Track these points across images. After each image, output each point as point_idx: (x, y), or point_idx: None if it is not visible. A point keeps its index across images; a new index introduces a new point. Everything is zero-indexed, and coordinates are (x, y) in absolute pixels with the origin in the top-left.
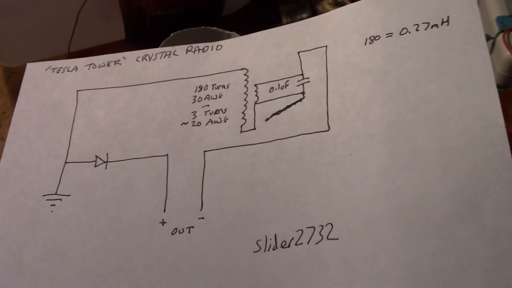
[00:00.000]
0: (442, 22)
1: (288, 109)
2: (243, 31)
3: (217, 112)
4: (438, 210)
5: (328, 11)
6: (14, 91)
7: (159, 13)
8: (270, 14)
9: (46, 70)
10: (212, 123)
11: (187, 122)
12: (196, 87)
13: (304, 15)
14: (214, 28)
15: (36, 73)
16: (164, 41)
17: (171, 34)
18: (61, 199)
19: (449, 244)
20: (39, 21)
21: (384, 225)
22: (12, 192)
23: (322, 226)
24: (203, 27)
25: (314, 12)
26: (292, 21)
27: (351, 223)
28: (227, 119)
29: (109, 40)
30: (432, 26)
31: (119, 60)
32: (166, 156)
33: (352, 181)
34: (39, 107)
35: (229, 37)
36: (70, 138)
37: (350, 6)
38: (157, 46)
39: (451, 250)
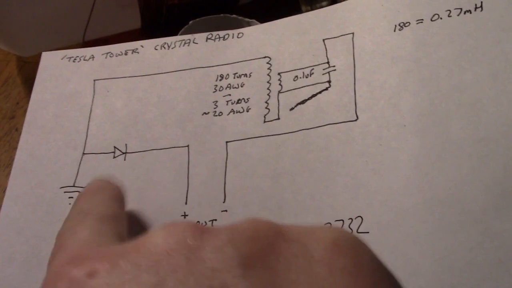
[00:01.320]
0: (476, 8)
1: (313, 98)
2: (261, 19)
3: (239, 101)
4: (474, 203)
5: None
6: (27, 81)
7: (176, 1)
8: (289, 2)
9: (62, 59)
10: (234, 113)
11: (208, 112)
12: (217, 76)
13: (324, 3)
14: (233, 15)
15: (51, 62)
16: (183, 28)
17: (190, 22)
18: (79, 191)
19: (486, 238)
20: (52, 10)
21: (416, 218)
22: (29, 184)
23: (352, 219)
24: (222, 14)
25: (333, 0)
26: (312, 9)
27: (382, 216)
28: (250, 108)
29: (125, 29)
30: (465, 12)
31: (137, 49)
32: (187, 147)
33: (383, 172)
34: (55, 96)
35: (249, 25)
36: (87, 129)
37: None
38: (173, 35)
39: (489, 244)
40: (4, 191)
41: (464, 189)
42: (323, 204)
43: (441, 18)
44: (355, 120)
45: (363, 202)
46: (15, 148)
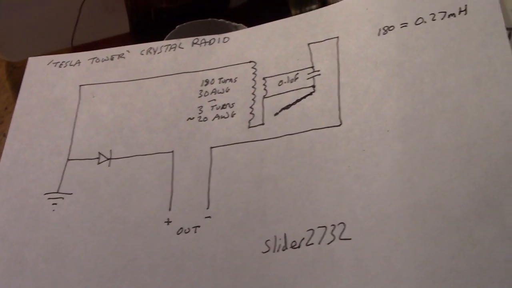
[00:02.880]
0: (460, 11)
1: (298, 103)
2: (250, 23)
3: (224, 106)
4: (456, 209)
5: (338, 1)
6: (16, 86)
7: (164, 5)
8: (279, 6)
9: (48, 64)
10: (219, 118)
11: (193, 117)
12: (202, 81)
13: (314, 6)
14: (221, 20)
15: (38, 68)
16: (170, 33)
17: (177, 26)
18: (63, 198)
19: (468, 245)
20: (41, 15)
21: (399, 224)
22: (13, 190)
23: (334, 225)
24: (209, 19)
25: (323, 3)
26: (301, 13)
27: (364, 222)
28: (235, 114)
29: (113, 34)
30: (449, 16)
31: (123, 54)
32: (171, 153)
33: (366, 177)
34: (41, 102)
35: (236, 29)
36: (72, 134)
37: None
38: (162, 39)
39: (471, 251)
40: None
41: (446, 195)
42: (306, 210)
43: (425, 22)
44: (339, 125)
45: (346, 208)
46: (2, 153)
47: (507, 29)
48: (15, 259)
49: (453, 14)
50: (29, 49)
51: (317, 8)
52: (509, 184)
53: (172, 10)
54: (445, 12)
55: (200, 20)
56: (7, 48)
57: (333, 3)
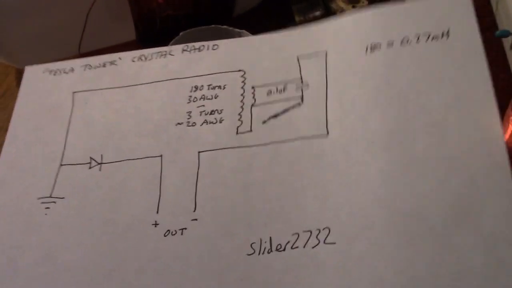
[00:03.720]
0: (443, 35)
1: (286, 112)
2: (254, 30)
3: (213, 112)
4: (436, 217)
5: (342, 8)
6: None
7: (170, 13)
8: (283, 13)
9: (43, 72)
10: (207, 124)
11: (182, 123)
12: (192, 87)
13: (317, 13)
14: (224, 26)
15: (33, 76)
16: (173, 40)
17: (181, 33)
18: (55, 202)
19: (447, 252)
20: (49, 23)
21: (381, 230)
22: (9, 195)
23: (319, 230)
24: (213, 26)
25: (327, 10)
26: (305, 20)
27: (348, 228)
28: (223, 120)
29: (120, 41)
30: (432, 38)
31: (115, 61)
32: (160, 157)
33: (351, 185)
34: (37, 110)
35: (239, 35)
36: (66, 140)
37: (352, 15)
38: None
39: (449, 258)
40: None
41: (427, 204)
42: (292, 214)
43: (410, 43)
44: (326, 135)
45: (331, 213)
46: None
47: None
48: (8, 263)
49: (436, 37)
50: (38, 56)
51: (320, 15)
52: (486, 196)
53: (177, 18)
54: (429, 34)
55: (204, 26)
56: (17, 56)
57: (336, 10)
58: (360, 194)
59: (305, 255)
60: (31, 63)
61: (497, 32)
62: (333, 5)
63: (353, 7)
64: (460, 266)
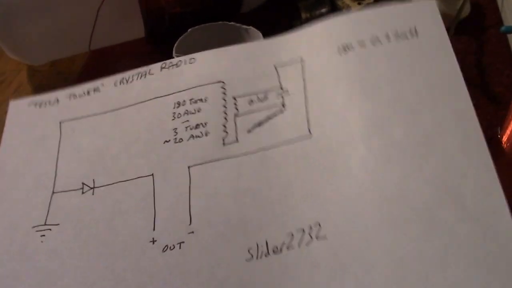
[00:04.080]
0: (411, 33)
1: (269, 120)
2: (262, 27)
3: (198, 126)
4: (418, 198)
5: (348, 5)
6: (37, 90)
7: (178, 10)
8: (289, 10)
9: (28, 106)
10: (194, 138)
11: (169, 140)
12: (174, 103)
13: (324, 10)
14: (232, 23)
15: (19, 110)
16: (182, 36)
17: (189, 30)
18: (50, 229)
19: (431, 228)
20: (60, 20)
21: (368, 218)
22: (2, 227)
23: (311, 226)
24: (221, 22)
25: (333, 7)
26: (311, 17)
27: (337, 220)
28: (208, 133)
29: (129, 38)
30: (402, 37)
31: (98, 88)
32: (151, 176)
33: (336, 180)
34: (24, 142)
35: (247, 32)
36: (56, 169)
37: (324, 21)
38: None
39: (434, 233)
40: None
41: (408, 187)
42: (285, 216)
43: (381, 43)
44: (309, 137)
45: (320, 209)
46: None
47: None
48: None
49: (405, 36)
50: (49, 53)
51: (326, 12)
52: (465, 172)
53: (185, 15)
54: (398, 34)
55: (212, 23)
56: (29, 52)
57: (342, 7)
58: (345, 186)
59: (300, 254)
60: (43, 60)
61: (502, 28)
62: (339, 2)
63: (359, 4)
64: (446, 240)
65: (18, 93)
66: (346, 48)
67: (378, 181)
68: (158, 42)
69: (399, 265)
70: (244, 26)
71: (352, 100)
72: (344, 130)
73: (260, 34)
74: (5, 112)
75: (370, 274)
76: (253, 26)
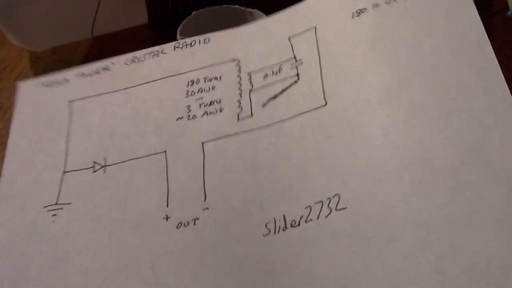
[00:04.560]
0: None
1: (284, 92)
2: (265, 9)
3: (212, 103)
4: (441, 160)
5: None
6: (39, 76)
7: None
8: None
9: (38, 86)
10: (207, 115)
11: (182, 117)
12: (188, 81)
13: None
14: (236, 6)
15: (28, 91)
16: (186, 19)
17: (193, 13)
18: (62, 208)
19: (457, 191)
20: (63, 6)
21: (388, 184)
22: (13, 208)
23: (330, 198)
24: (224, 5)
25: None
26: None
27: (356, 190)
28: (223, 109)
29: (133, 24)
30: None
31: (108, 66)
32: (164, 153)
33: (354, 149)
34: (34, 122)
35: (251, 14)
36: (66, 148)
37: None
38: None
39: (460, 196)
40: None
41: (430, 149)
42: (302, 190)
43: (395, 1)
44: (324, 106)
45: (339, 180)
46: None
47: None
48: (20, 273)
49: None
50: (51, 39)
51: None
52: (491, 130)
53: (188, 0)
54: None
55: (215, 6)
56: (31, 38)
57: None
58: (364, 154)
59: (319, 226)
60: (45, 46)
61: (509, 13)
62: None
63: None
64: (473, 203)
65: (20, 80)
66: (360, 12)
67: (399, 147)
68: (161, 27)
69: (424, 232)
70: (249, 9)
71: (368, 65)
72: (361, 97)
73: (265, 17)
74: (8, 98)
75: (394, 243)
76: (258, 9)
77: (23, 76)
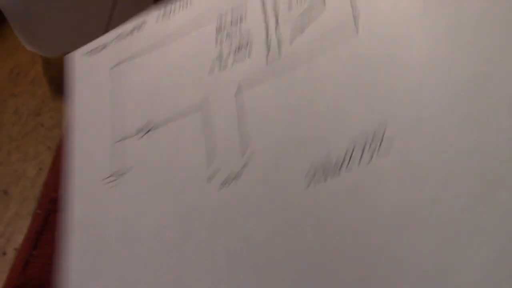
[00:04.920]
0: None
1: (311, 24)
2: None
3: (240, 49)
4: (507, 84)
5: None
6: (52, 81)
7: None
8: None
9: (80, 56)
10: (237, 63)
11: (214, 69)
12: (216, 28)
13: None
14: None
15: (75, 62)
16: None
17: None
18: (116, 179)
19: None
20: (75, 13)
21: (440, 116)
22: (73, 182)
23: (373, 136)
24: None
25: None
26: None
27: (403, 124)
28: (251, 54)
29: None
30: None
31: (140, 26)
32: (200, 110)
33: (394, 78)
34: (83, 94)
35: None
36: (112, 116)
37: None
38: None
39: None
40: (32, 182)
41: (490, 68)
42: (343, 123)
43: None
44: (356, 34)
45: (382, 114)
46: (41, 142)
47: None
48: (93, 243)
49: None
50: (64, 45)
51: None
52: None
53: None
54: None
55: None
56: (44, 44)
57: None
58: (407, 82)
59: (364, 171)
60: (58, 52)
61: None
62: None
63: None
64: None
65: (34, 85)
66: None
67: (447, 70)
68: None
69: (487, 169)
70: None
71: None
72: (397, 20)
73: None
74: (23, 103)
75: (449, 184)
76: None
77: (37, 81)
